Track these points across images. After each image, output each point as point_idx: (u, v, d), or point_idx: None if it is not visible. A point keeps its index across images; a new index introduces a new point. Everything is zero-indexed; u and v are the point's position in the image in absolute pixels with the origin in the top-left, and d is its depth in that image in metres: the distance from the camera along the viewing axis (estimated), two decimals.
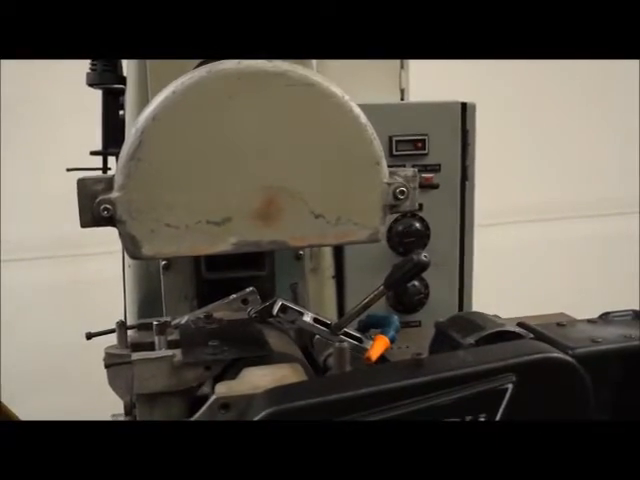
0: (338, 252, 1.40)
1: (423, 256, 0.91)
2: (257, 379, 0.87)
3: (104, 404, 1.23)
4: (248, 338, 0.99)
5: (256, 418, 0.78)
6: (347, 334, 1.06)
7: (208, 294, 1.25)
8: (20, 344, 2.48)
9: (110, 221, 0.85)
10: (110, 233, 0.86)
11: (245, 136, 0.86)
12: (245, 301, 1.19)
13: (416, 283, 1.39)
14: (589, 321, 1.06)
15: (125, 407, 1.00)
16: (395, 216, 1.38)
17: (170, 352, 0.92)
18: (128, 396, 0.99)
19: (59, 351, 2.45)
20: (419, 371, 0.82)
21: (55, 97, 2.53)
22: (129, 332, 1.08)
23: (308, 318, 1.05)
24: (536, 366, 0.82)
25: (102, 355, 1.04)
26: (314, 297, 1.38)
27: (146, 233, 0.85)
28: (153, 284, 1.32)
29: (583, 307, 1.29)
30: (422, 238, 1.38)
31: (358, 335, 1.07)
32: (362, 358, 1.00)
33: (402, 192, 0.91)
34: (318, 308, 1.38)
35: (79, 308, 2.46)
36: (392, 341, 1.03)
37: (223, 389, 0.85)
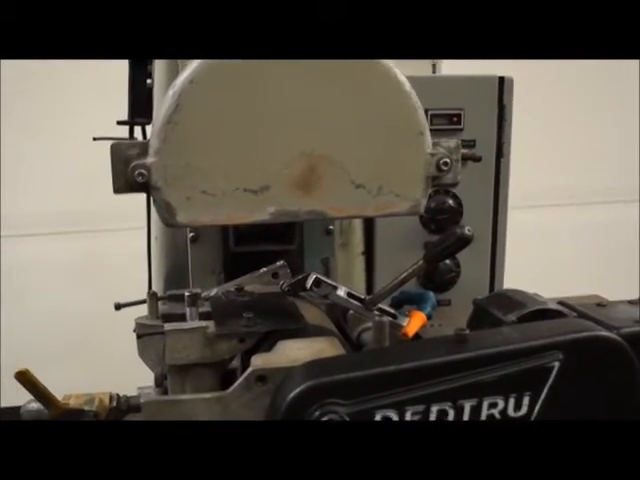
0: (368, 228, 1.37)
1: (467, 230, 0.88)
2: (294, 352, 0.84)
3: (122, 376, 1.21)
4: (282, 311, 0.96)
5: (294, 392, 0.76)
6: (381, 310, 1.04)
7: (235, 267, 1.23)
8: (36, 317, 2.46)
9: (144, 187, 0.82)
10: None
11: (287, 102, 0.83)
12: (275, 275, 1.16)
13: (448, 261, 1.36)
14: (629, 302, 1.03)
15: (156, 379, 0.98)
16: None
17: (204, 323, 0.89)
18: (159, 367, 0.97)
19: (75, 323, 2.44)
20: (463, 347, 0.79)
21: (74, 68, 2.48)
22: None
23: (342, 292, 1.02)
24: (584, 344, 0.80)
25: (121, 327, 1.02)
26: (343, 273, 1.35)
27: (182, 200, 0.83)
28: (180, 257, 1.29)
29: (615, 292, 1.26)
30: (455, 215, 1.34)
31: (392, 311, 1.04)
32: (397, 334, 0.97)
33: (445, 163, 0.88)
34: (347, 284, 1.35)
35: (95, 282, 2.43)
36: (429, 317, 1.00)
37: (259, 361, 0.83)
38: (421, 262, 0.94)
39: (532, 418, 0.79)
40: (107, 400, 1.13)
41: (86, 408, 1.10)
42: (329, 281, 1.03)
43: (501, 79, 1.32)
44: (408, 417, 0.77)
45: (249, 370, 0.81)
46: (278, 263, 1.16)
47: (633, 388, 0.81)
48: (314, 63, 0.82)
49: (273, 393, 0.80)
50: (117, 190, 0.84)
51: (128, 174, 0.81)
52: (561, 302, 1.00)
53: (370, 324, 1.03)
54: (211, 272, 1.28)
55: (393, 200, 0.88)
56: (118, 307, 1.06)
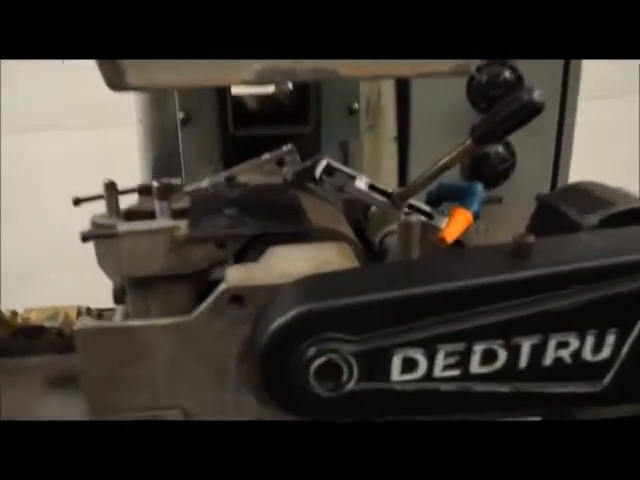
0: (402, 107, 1.11)
1: (536, 94, 0.62)
2: (286, 263, 0.61)
3: None
4: (278, 208, 0.73)
5: (279, 320, 0.53)
6: (413, 207, 0.80)
7: (236, 155, 0.99)
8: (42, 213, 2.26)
9: None
10: None
11: None
12: (281, 162, 0.92)
13: (500, 149, 1.09)
14: None
15: (114, 293, 0.77)
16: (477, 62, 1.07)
17: (171, 223, 0.67)
18: (119, 278, 0.76)
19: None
20: (523, 262, 0.55)
21: None
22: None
23: (362, 184, 0.78)
24: None
25: None
26: (370, 162, 1.11)
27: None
28: (169, 143, 1.06)
29: None
30: (512, 91, 1.07)
31: (427, 209, 0.80)
32: (433, 240, 0.74)
33: None
34: (374, 176, 1.11)
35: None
36: (475, 217, 0.76)
37: (236, 276, 0.60)
38: (469, 142, 0.68)
39: (617, 364, 0.56)
40: (74, 315, 0.93)
41: (48, 324, 0.91)
42: (345, 169, 0.79)
43: None
44: (440, 360, 0.54)
45: (221, 288, 0.58)
46: (285, 148, 0.92)
47: None
48: None
49: (254, 320, 0.58)
50: None
51: None
52: None
53: (395, 226, 0.80)
54: (208, 161, 1.05)
55: None
56: (77, 202, 0.83)
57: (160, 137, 1.09)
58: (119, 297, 0.76)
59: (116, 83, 0.60)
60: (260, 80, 0.61)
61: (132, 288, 0.69)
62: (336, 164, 0.79)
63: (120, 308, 0.75)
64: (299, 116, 1.02)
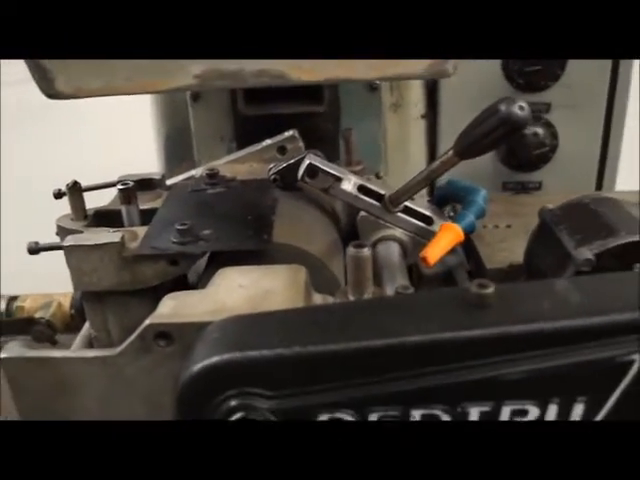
0: (431, 83, 1.01)
1: (518, 107, 0.52)
2: (224, 293, 0.55)
3: None
4: (245, 217, 0.66)
5: (195, 368, 0.48)
6: (409, 211, 0.72)
7: (248, 135, 0.93)
8: None
9: None
10: None
11: None
12: (283, 149, 0.86)
13: (539, 130, 0.98)
14: None
15: (71, 301, 0.73)
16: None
17: (118, 236, 0.62)
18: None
19: None
20: (478, 316, 0.47)
21: None
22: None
23: (349, 186, 0.71)
24: None
25: None
26: (395, 144, 1.02)
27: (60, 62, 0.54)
28: (181, 119, 1.01)
29: None
30: (553, 66, 0.95)
31: (426, 213, 0.72)
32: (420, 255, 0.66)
33: None
34: (400, 159, 1.03)
35: None
36: (469, 231, 0.67)
37: (165, 309, 0.54)
38: (451, 153, 0.59)
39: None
40: (67, 305, 0.91)
41: (38, 315, 0.89)
42: (331, 169, 0.72)
43: None
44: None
45: (144, 324, 0.53)
46: (287, 133, 0.85)
47: None
48: None
49: (183, 357, 0.52)
50: None
51: None
52: None
53: (389, 232, 0.72)
54: (219, 139, 0.99)
55: None
56: (58, 196, 0.79)
57: (172, 115, 1.04)
58: (77, 305, 0.72)
59: (47, 90, 0.55)
60: (200, 86, 0.54)
61: (87, 302, 0.66)
62: (321, 163, 0.71)
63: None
64: (313, 93, 0.94)
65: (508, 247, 0.79)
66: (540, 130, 0.98)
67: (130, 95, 0.54)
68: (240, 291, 0.55)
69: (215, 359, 0.48)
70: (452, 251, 0.70)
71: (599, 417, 0.47)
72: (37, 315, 0.88)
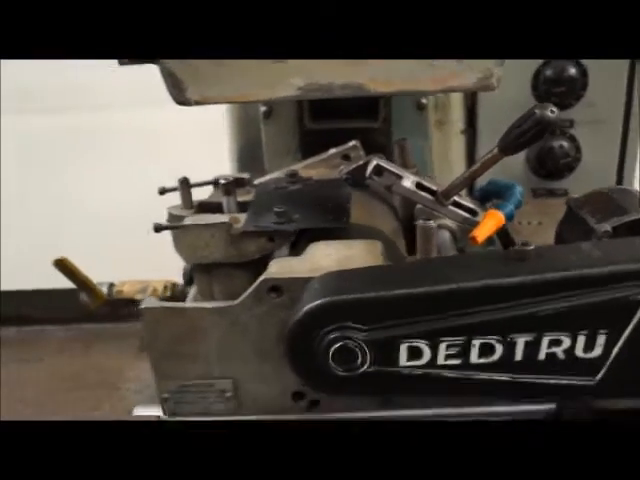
0: (471, 101, 1.16)
1: (549, 111, 0.67)
2: (320, 258, 0.70)
3: None
4: (327, 204, 0.81)
5: (305, 309, 0.62)
6: (458, 204, 0.86)
7: (312, 147, 1.09)
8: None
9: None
10: None
11: None
12: (346, 157, 1.01)
13: (564, 143, 1.13)
14: None
15: (183, 275, 0.89)
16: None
17: (227, 217, 0.77)
18: (190, 264, 0.87)
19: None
20: (522, 267, 0.61)
21: None
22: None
23: (408, 183, 0.86)
24: None
25: None
26: (439, 155, 1.17)
27: (191, 74, 0.69)
28: (253, 133, 1.17)
29: None
30: (577, 88, 1.10)
31: (471, 206, 0.86)
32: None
33: None
34: (444, 170, 1.17)
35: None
36: (509, 218, 0.82)
37: (276, 268, 0.70)
38: (495, 151, 0.75)
39: (609, 361, 0.61)
40: (161, 288, 1.06)
41: (138, 297, 1.04)
42: (393, 168, 0.87)
43: None
44: (442, 350, 0.62)
45: (260, 279, 0.68)
46: (350, 143, 1.01)
47: None
48: None
49: (289, 306, 0.67)
50: (122, 62, 0.71)
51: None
52: None
53: (441, 221, 0.87)
54: (286, 151, 1.15)
55: (454, 70, 0.68)
56: (162, 192, 0.95)
57: (245, 128, 1.20)
58: (187, 279, 0.88)
59: (178, 98, 0.70)
60: (300, 96, 0.69)
61: (197, 273, 0.81)
62: (386, 164, 0.86)
63: (192, 289, 0.87)
64: (370, 111, 1.09)
65: (540, 240, 0.94)
66: (565, 143, 1.13)
67: (243, 103, 0.70)
68: (331, 256, 0.70)
69: (320, 301, 0.63)
70: (490, 241, 0.85)
71: (617, 348, 0.61)
72: (137, 297, 1.03)
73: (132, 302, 1.02)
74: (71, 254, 0.96)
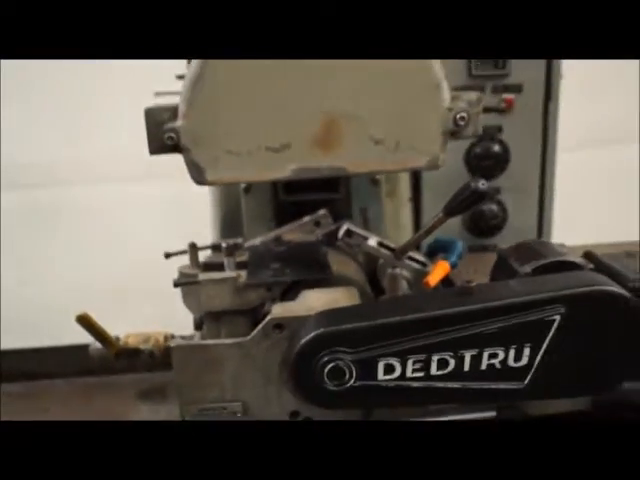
0: (415, 175, 1.40)
1: (480, 184, 0.90)
2: (312, 301, 0.90)
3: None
4: (311, 261, 1.02)
5: (305, 339, 0.82)
6: (412, 258, 1.08)
7: (285, 216, 1.29)
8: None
9: (175, 149, 0.88)
10: None
11: (305, 62, 0.86)
12: (317, 223, 1.22)
13: (493, 207, 1.37)
14: None
15: (194, 323, 1.07)
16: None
17: (234, 273, 0.96)
18: (198, 313, 1.06)
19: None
20: (467, 299, 0.83)
21: None
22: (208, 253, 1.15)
23: (373, 242, 1.07)
24: (585, 298, 0.81)
25: None
26: (391, 221, 1.39)
27: (209, 160, 0.88)
28: (233, 205, 1.37)
29: None
30: (501, 162, 1.35)
31: (423, 260, 1.08)
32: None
33: (462, 118, 0.89)
34: (395, 232, 1.39)
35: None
36: (453, 267, 1.03)
37: (279, 310, 0.89)
38: (441, 214, 0.97)
39: (533, 369, 0.82)
40: (162, 339, 1.24)
41: (142, 347, 1.21)
42: (360, 231, 1.08)
43: None
44: (410, 366, 0.82)
45: (267, 318, 0.88)
46: (320, 212, 1.22)
47: (637, 343, 0.83)
48: None
49: (289, 339, 0.86)
50: (152, 152, 0.90)
51: (160, 137, 0.87)
52: (587, 253, 1.00)
53: (398, 272, 1.08)
54: (263, 221, 1.35)
55: (411, 155, 0.90)
56: (167, 256, 1.14)
57: (226, 201, 1.40)
58: (198, 325, 1.06)
59: (198, 179, 0.89)
60: (294, 177, 0.90)
61: (208, 320, 1.00)
62: (354, 228, 1.08)
63: (198, 334, 1.05)
64: (333, 185, 1.31)
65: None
66: (494, 207, 1.37)
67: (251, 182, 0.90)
68: (320, 300, 0.90)
69: (316, 332, 0.82)
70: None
71: (538, 357, 0.82)
72: (141, 347, 1.21)
73: (137, 351, 1.20)
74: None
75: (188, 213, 2.09)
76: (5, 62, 2.15)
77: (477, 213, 1.37)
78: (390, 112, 0.88)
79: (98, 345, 1.18)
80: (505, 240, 1.39)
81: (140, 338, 1.23)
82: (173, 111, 0.88)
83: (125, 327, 1.30)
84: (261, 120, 0.87)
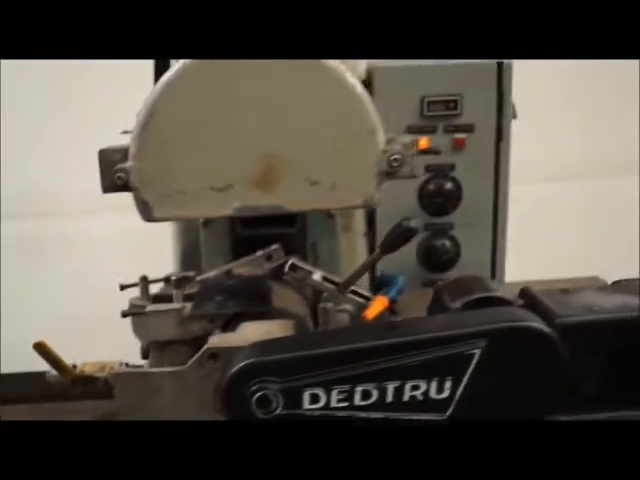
0: (369, 210, 1.44)
1: (412, 223, 0.95)
2: (248, 332, 0.94)
3: None
4: (254, 294, 1.06)
5: (234, 368, 0.85)
6: (355, 292, 1.12)
7: (242, 250, 1.33)
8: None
9: (125, 188, 0.92)
10: None
11: (245, 106, 0.91)
12: (270, 257, 1.25)
13: (446, 242, 1.41)
14: (599, 288, 1.06)
15: (142, 352, 1.11)
16: (427, 176, 1.40)
17: (179, 305, 1.01)
18: (145, 342, 1.10)
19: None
20: (391, 332, 0.86)
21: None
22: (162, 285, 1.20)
23: (317, 276, 1.11)
24: (506, 333, 0.85)
25: None
26: (346, 255, 1.42)
27: (157, 198, 0.92)
28: (193, 239, 1.41)
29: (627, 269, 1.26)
30: (453, 199, 1.39)
31: (365, 293, 1.12)
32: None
33: (396, 160, 0.93)
34: (350, 266, 1.42)
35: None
36: (393, 302, 1.07)
37: (215, 340, 0.93)
38: (378, 251, 1.01)
39: (454, 402, 0.86)
40: (116, 367, 1.27)
41: (98, 374, 1.25)
42: (305, 266, 1.12)
43: (499, 65, 1.35)
44: (334, 396, 0.85)
45: (203, 348, 0.91)
46: (273, 247, 1.26)
47: (557, 378, 0.86)
48: (272, 75, 0.90)
49: (222, 369, 0.90)
50: (105, 190, 0.94)
51: (111, 177, 0.92)
52: (523, 289, 1.04)
53: (342, 306, 1.12)
54: (221, 254, 1.38)
55: (347, 195, 0.94)
56: (122, 288, 1.19)
57: (186, 235, 1.44)
58: (144, 354, 1.10)
59: (146, 216, 0.93)
60: (236, 214, 0.94)
61: (153, 349, 1.03)
62: (299, 263, 1.12)
63: (146, 362, 1.09)
64: (289, 220, 1.35)
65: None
66: (447, 242, 1.41)
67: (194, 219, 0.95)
68: (256, 331, 0.94)
69: (246, 362, 0.86)
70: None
71: (460, 390, 0.86)
72: (97, 374, 1.24)
73: (93, 379, 1.23)
74: None
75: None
76: None
77: (430, 248, 1.41)
78: (326, 155, 0.93)
79: (54, 372, 1.21)
80: (460, 274, 1.42)
81: (96, 366, 1.26)
82: (124, 152, 0.93)
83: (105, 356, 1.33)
84: (206, 163, 0.92)
